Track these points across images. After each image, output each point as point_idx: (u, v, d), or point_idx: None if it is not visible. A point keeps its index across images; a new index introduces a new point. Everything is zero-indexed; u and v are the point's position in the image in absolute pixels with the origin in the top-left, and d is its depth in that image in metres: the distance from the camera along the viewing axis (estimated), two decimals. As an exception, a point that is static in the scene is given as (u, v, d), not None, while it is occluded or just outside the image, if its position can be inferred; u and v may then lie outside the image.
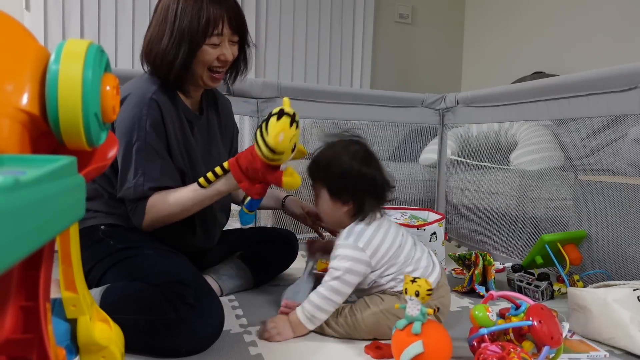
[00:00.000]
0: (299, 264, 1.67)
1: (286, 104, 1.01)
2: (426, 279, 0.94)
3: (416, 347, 0.88)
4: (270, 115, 1.00)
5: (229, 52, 1.15)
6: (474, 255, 1.45)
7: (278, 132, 0.97)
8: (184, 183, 1.15)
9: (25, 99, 0.52)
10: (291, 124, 0.98)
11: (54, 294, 0.60)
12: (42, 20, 2.58)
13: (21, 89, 0.53)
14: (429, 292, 0.92)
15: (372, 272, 1.08)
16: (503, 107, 1.81)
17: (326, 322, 1.09)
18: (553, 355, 0.91)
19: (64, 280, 0.64)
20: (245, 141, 3.16)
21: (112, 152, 0.65)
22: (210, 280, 1.31)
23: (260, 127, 1.00)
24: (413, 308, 0.92)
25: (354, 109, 2.03)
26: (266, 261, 1.44)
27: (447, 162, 2.29)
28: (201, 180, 1.08)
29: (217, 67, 1.16)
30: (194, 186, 1.10)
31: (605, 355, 1.03)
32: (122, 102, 1.10)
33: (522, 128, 2.45)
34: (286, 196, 1.45)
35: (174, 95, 1.17)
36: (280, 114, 0.99)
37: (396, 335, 0.94)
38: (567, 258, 1.43)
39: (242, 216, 1.13)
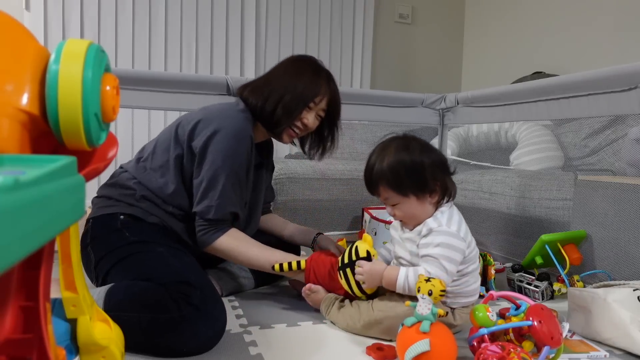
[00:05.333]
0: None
1: (369, 242, 1.16)
2: (441, 280, 0.93)
3: (423, 345, 0.88)
4: (359, 257, 1.14)
5: (313, 120, 1.29)
6: (474, 255, 1.45)
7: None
8: None
9: (25, 99, 0.52)
10: None
11: (54, 294, 0.60)
12: (42, 20, 2.58)
13: (21, 89, 0.52)
14: (442, 294, 0.92)
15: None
16: (503, 107, 1.81)
17: (339, 310, 1.14)
18: (553, 355, 0.91)
19: (64, 280, 0.64)
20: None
21: (112, 152, 0.65)
22: (211, 280, 1.31)
23: (347, 268, 1.14)
24: (424, 307, 0.91)
25: (354, 109, 2.02)
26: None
27: (447, 162, 2.29)
28: (276, 266, 1.20)
29: (296, 127, 1.27)
30: (267, 254, 1.22)
31: (605, 355, 1.03)
32: (216, 125, 1.17)
33: (522, 128, 2.45)
34: (318, 234, 1.49)
35: (254, 136, 1.26)
36: (368, 259, 1.13)
37: (403, 332, 0.93)
38: (567, 258, 1.43)
39: None
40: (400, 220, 1.14)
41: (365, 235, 1.18)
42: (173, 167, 1.21)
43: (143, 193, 1.21)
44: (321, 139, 1.38)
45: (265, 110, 1.25)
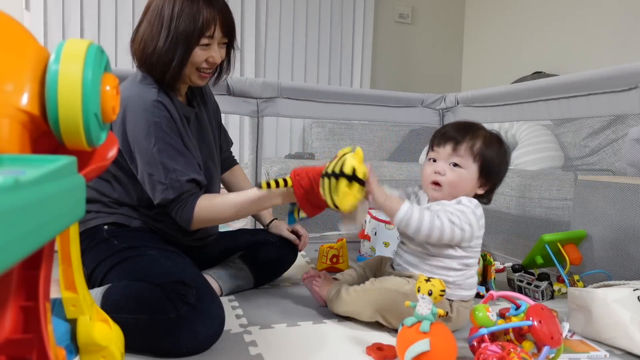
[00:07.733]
0: (300, 264, 1.67)
1: (359, 158, 1.02)
2: (441, 280, 0.94)
3: (423, 345, 0.88)
4: (343, 173, 0.98)
5: (218, 55, 1.16)
6: (474, 255, 1.45)
7: (346, 198, 1.00)
8: None
9: (25, 99, 0.52)
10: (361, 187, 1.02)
11: (54, 294, 0.60)
12: (42, 20, 2.58)
13: (21, 89, 0.52)
14: (442, 293, 0.92)
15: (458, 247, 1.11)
16: (503, 107, 1.81)
17: (344, 291, 1.17)
18: (553, 355, 0.91)
19: (64, 280, 0.64)
20: (245, 140, 3.16)
21: (112, 152, 0.65)
22: (210, 280, 1.31)
23: (329, 177, 0.99)
24: (424, 307, 0.91)
25: (354, 108, 2.03)
26: (266, 261, 1.44)
27: (447, 162, 2.29)
28: (263, 184, 1.07)
29: (205, 69, 1.17)
30: (248, 196, 1.13)
31: (605, 355, 1.03)
32: (122, 108, 1.10)
33: (522, 128, 2.45)
34: (274, 219, 1.52)
35: (171, 94, 1.18)
36: (353, 178, 0.99)
37: (403, 332, 0.93)
38: (567, 258, 1.43)
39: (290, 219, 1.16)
40: (434, 185, 1.14)
41: (358, 149, 1.04)
42: (120, 172, 1.18)
43: (117, 198, 1.19)
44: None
45: (151, 64, 1.13)
